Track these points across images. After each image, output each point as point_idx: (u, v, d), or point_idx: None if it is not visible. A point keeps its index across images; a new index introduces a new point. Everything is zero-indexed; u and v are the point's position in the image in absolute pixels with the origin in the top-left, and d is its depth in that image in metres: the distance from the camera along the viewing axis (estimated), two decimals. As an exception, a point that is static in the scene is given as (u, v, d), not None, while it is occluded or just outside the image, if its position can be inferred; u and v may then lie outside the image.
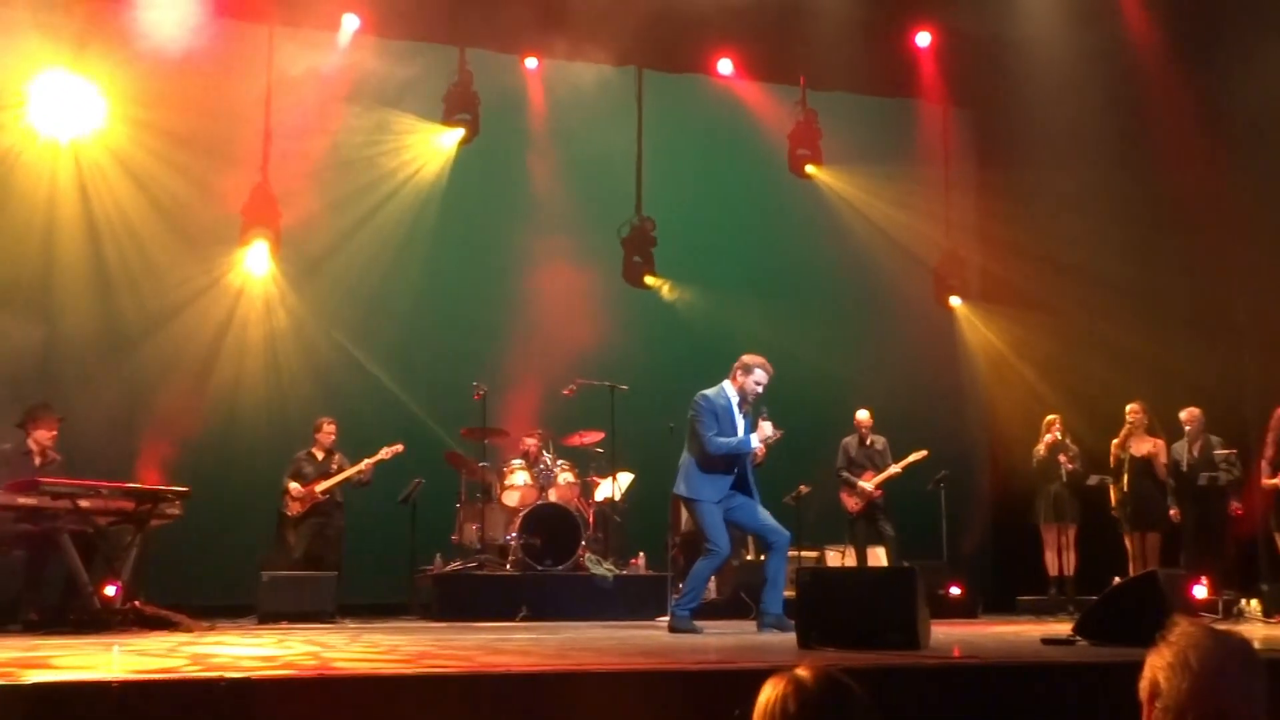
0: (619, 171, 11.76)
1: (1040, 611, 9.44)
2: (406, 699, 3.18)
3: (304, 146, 10.59)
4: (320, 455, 9.48)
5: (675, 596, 7.25)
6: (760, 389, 6.87)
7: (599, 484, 10.02)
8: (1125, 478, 9.40)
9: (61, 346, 9.87)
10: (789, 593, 6.65)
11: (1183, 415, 9.30)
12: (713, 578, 7.90)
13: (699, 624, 6.73)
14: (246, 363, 10.60)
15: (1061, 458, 9.73)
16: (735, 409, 6.87)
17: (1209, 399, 9.41)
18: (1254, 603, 8.55)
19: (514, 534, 9.26)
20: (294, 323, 10.83)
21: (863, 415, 10.24)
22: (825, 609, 4.84)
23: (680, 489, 6.90)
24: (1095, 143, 10.90)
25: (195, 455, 9.46)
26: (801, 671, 1.97)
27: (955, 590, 9.49)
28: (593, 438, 9.99)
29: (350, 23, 10.81)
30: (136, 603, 6.94)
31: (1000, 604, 10.35)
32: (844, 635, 4.65)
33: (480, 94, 11.09)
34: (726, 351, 7.33)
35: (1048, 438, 9.87)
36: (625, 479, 10.05)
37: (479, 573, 9.23)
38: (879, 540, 10.00)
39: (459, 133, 11.11)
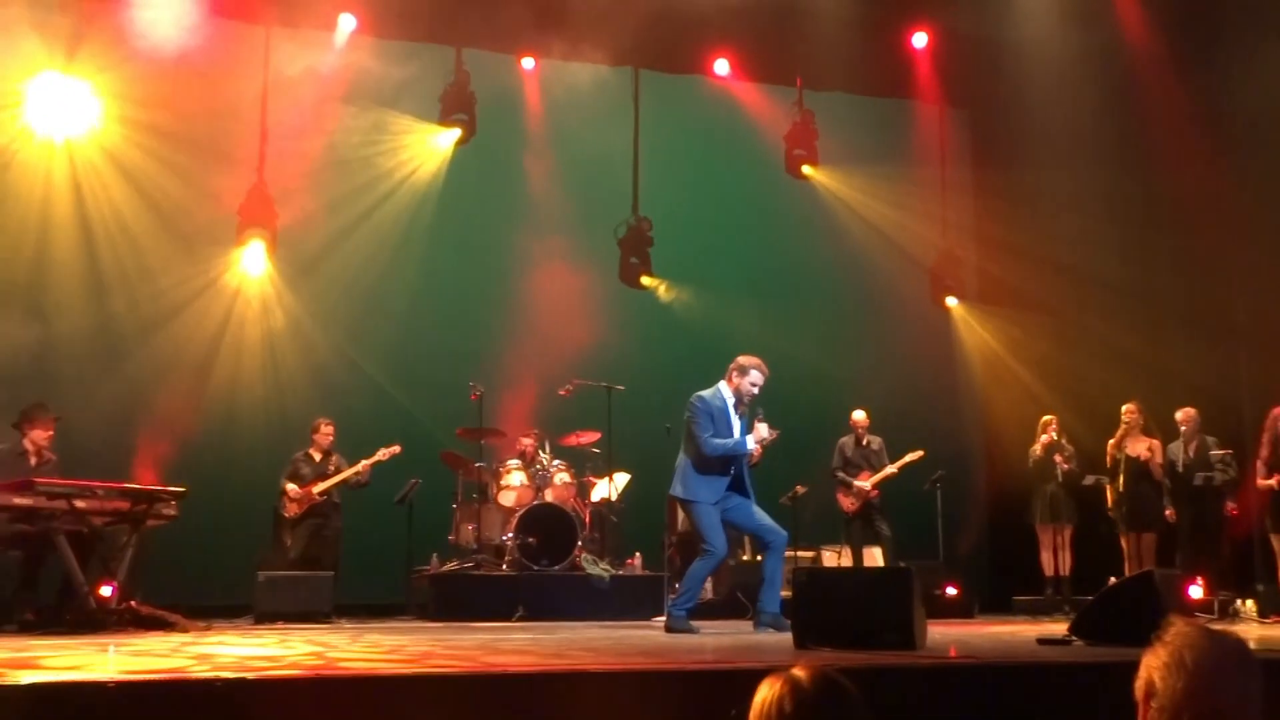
0: (616, 172, 11.75)
1: (1036, 611, 9.42)
2: (406, 699, 3.17)
3: (300, 146, 10.58)
4: (318, 456, 9.46)
5: (672, 596, 7.24)
6: (756, 390, 6.86)
7: (595, 484, 10.02)
8: (1121, 478, 9.41)
9: (57, 346, 9.84)
10: (785, 593, 6.65)
11: (1179, 416, 9.32)
12: (709, 578, 7.91)
13: (695, 624, 6.75)
14: (243, 363, 10.59)
15: (1057, 458, 9.72)
16: (731, 410, 6.87)
17: (1205, 399, 9.42)
18: (1249, 603, 8.58)
19: (510, 534, 9.24)
20: (291, 323, 10.81)
21: (859, 415, 10.25)
22: (821, 609, 4.84)
23: (677, 490, 6.89)
24: (1092, 143, 10.91)
25: (192, 455, 9.46)
26: (798, 671, 1.97)
27: (951, 590, 9.50)
28: (589, 438, 9.98)
29: (347, 23, 10.80)
30: (132, 603, 6.92)
31: (996, 604, 10.35)
32: (840, 635, 4.65)
33: (477, 94, 11.09)
34: (723, 352, 7.34)
35: (1044, 438, 9.86)
36: (622, 479, 10.03)
37: (475, 573, 9.23)
38: (875, 540, 10.00)
39: (455, 133, 11.11)
